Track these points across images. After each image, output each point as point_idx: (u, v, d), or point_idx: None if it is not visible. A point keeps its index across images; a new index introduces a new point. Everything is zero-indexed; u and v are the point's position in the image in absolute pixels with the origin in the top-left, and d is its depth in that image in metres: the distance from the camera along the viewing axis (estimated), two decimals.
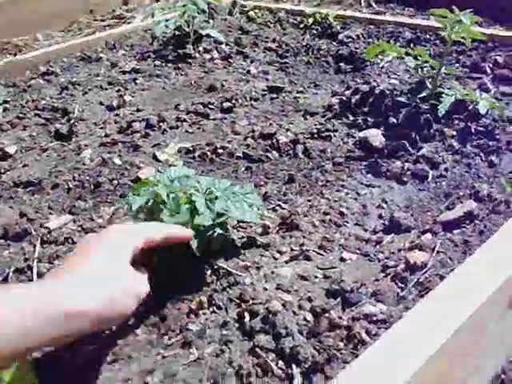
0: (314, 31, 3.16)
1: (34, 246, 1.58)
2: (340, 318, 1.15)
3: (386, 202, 1.64)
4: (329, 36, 3.06)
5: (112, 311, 1.01)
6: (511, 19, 3.11)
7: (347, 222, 1.54)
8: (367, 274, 1.33)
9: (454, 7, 1.99)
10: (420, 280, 1.26)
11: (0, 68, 2.73)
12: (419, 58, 2.10)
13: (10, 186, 1.94)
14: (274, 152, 1.94)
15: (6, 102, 2.50)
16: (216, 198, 1.29)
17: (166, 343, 1.20)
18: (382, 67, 2.56)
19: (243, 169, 1.87)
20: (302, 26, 3.27)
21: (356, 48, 2.77)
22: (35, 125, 2.37)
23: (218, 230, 1.33)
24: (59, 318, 0.91)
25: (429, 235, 1.42)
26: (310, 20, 3.22)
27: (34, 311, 0.89)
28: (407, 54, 2.13)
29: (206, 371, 1.11)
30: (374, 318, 1.14)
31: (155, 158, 2.01)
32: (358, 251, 1.41)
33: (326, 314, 1.16)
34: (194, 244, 1.23)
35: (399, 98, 2.08)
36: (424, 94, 2.05)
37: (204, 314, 1.24)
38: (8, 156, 2.13)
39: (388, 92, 2.17)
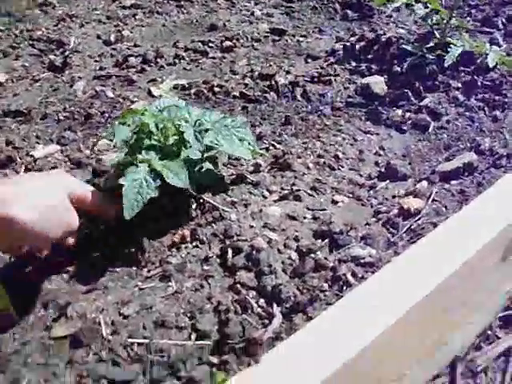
0: None
1: (18, 173, 1.53)
2: (326, 259, 1.11)
3: (384, 150, 1.59)
4: None
5: (39, 230, 1.00)
6: None
7: (342, 167, 1.49)
8: (358, 217, 1.29)
9: None
10: (412, 227, 1.22)
11: None
12: (429, 6, 2.02)
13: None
14: (271, 93, 1.88)
15: (0, 30, 2.43)
16: (206, 130, 1.23)
17: (145, 275, 1.16)
18: (390, 16, 2.49)
19: (239, 108, 1.81)
20: None
21: None
22: (29, 55, 2.30)
23: (207, 165, 1.28)
24: None
25: (425, 183, 1.37)
26: None
27: None
28: (417, 1, 2.05)
29: (184, 305, 1.07)
30: (362, 261, 1.10)
31: (150, 93, 1.95)
32: (350, 195, 1.37)
33: (312, 255, 1.12)
34: (175, 178, 1.16)
35: (405, 47, 2.01)
36: (431, 44, 1.98)
37: (186, 247, 1.20)
38: None
39: (394, 40, 2.10)
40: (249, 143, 1.27)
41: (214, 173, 1.30)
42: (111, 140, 1.20)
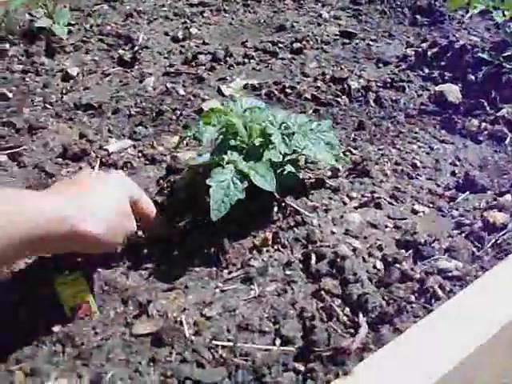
0: None
1: (93, 167, 1.54)
2: (412, 270, 1.09)
3: (460, 160, 1.55)
4: None
5: (107, 240, 1.02)
6: None
7: (419, 175, 1.46)
8: (440, 229, 1.26)
9: None
10: (498, 241, 1.19)
11: None
12: (506, 13, 1.98)
13: (71, 107, 1.91)
14: (344, 97, 1.86)
15: (70, 24, 2.45)
16: (293, 133, 1.21)
17: (226, 277, 1.15)
18: (462, 22, 2.44)
19: (311, 111, 1.80)
20: None
21: (435, 0, 2.63)
22: (98, 49, 2.32)
23: (289, 168, 1.27)
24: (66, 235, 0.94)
25: (509, 197, 1.34)
26: None
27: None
28: (495, 8, 2.01)
29: (267, 309, 1.06)
30: (449, 274, 1.08)
31: (220, 91, 1.95)
32: (430, 205, 1.34)
33: (397, 265, 1.11)
34: (261, 180, 1.15)
35: (480, 55, 1.96)
36: (508, 53, 1.93)
37: (267, 251, 1.19)
38: (70, 78, 2.10)
39: (468, 48, 2.06)
40: (334, 148, 1.26)
41: (295, 176, 1.29)
42: (196, 139, 1.19)
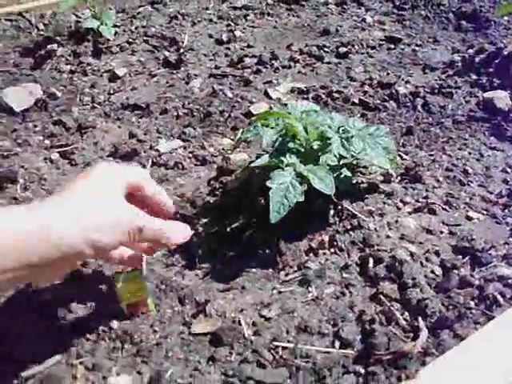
0: None
1: (144, 167, 1.56)
2: (471, 276, 1.09)
3: (511, 167, 1.54)
4: None
5: (105, 245, 0.88)
6: None
7: (471, 182, 1.46)
8: (496, 236, 1.25)
9: None
10: None
11: None
12: None
13: (118, 107, 1.94)
14: (391, 102, 1.86)
15: (116, 26, 2.48)
16: (351, 137, 1.22)
17: (283, 279, 1.16)
18: (508, 28, 2.42)
19: (358, 115, 1.80)
20: None
21: (481, 6, 2.62)
22: (144, 51, 2.35)
23: (345, 172, 1.27)
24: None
25: None
26: None
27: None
28: None
29: (326, 312, 1.07)
30: (510, 281, 1.07)
31: (267, 94, 1.96)
32: (484, 212, 1.34)
33: (456, 271, 1.10)
34: (321, 184, 1.16)
35: None
36: None
37: (324, 254, 1.20)
38: (117, 78, 2.13)
39: None
40: (390, 153, 1.26)
41: (350, 180, 1.30)
42: (250, 141, 1.20)
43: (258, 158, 1.23)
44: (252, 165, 1.20)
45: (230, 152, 1.59)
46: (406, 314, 1.04)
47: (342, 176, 1.27)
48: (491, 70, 2.05)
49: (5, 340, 1.04)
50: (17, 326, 1.07)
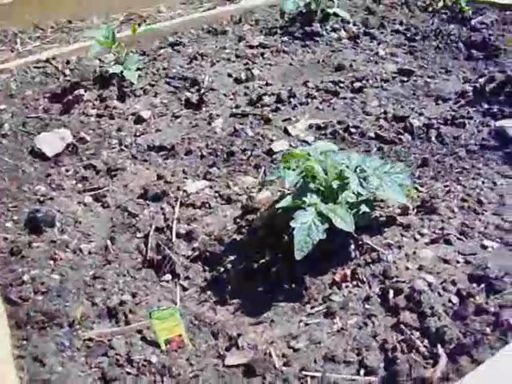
0: (444, 15, 3.09)
1: (173, 208, 1.64)
2: (487, 303, 1.15)
3: None
4: (460, 21, 2.98)
5: None
6: None
7: (485, 211, 1.52)
8: (510, 263, 1.31)
9: None
10: None
11: (132, 37, 2.79)
12: None
13: (145, 149, 2.03)
14: (406, 135, 1.93)
15: (139, 69, 2.58)
16: (368, 176, 1.30)
17: (309, 311, 1.24)
18: None
19: (375, 149, 1.87)
20: (430, 9, 3.20)
21: (490, 35, 2.69)
22: (166, 92, 2.44)
23: (364, 208, 1.34)
24: None
25: None
26: (440, 4, 3.15)
27: None
28: None
29: (350, 341, 1.14)
30: None
31: (286, 131, 2.04)
32: (498, 240, 1.40)
33: (472, 299, 1.17)
34: (342, 223, 1.23)
35: None
36: None
37: (347, 286, 1.27)
38: (142, 120, 2.22)
39: None
40: (406, 188, 1.33)
41: (369, 215, 1.37)
42: (271, 182, 1.29)
43: (281, 198, 1.31)
44: (276, 206, 1.27)
45: (254, 191, 1.66)
46: (426, 341, 1.11)
47: (361, 212, 1.34)
48: (502, 98, 2.11)
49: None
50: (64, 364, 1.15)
